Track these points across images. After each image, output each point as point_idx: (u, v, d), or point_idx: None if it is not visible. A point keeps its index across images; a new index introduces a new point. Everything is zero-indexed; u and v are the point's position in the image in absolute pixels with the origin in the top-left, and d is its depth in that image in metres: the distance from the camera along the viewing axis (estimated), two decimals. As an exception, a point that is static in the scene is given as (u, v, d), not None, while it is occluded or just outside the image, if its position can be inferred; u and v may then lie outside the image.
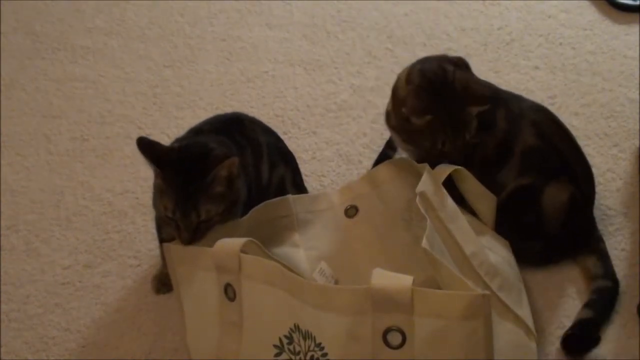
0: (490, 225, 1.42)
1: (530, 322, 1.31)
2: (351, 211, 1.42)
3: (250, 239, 1.23)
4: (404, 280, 1.08)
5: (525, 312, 1.32)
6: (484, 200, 1.40)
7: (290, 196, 1.42)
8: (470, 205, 1.42)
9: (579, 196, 1.45)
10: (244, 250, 1.21)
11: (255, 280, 1.20)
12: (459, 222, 1.29)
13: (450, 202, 1.31)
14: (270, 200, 1.39)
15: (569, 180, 1.44)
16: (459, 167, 1.35)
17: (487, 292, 1.07)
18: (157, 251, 1.54)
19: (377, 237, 1.38)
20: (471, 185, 1.38)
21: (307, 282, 1.16)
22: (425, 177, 1.28)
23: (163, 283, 1.52)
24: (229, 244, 1.22)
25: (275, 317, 1.19)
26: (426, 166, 1.32)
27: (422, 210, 1.22)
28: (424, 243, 1.14)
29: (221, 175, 1.27)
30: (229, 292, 1.23)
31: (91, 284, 1.56)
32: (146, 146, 1.28)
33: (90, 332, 1.49)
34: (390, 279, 1.09)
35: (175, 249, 1.31)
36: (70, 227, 1.67)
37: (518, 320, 1.28)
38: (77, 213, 1.70)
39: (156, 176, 1.30)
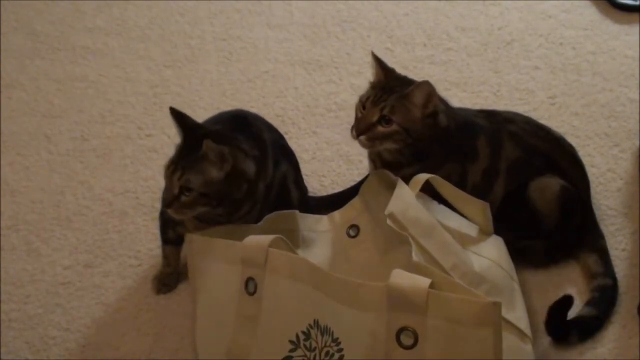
0: (480, 225, 1.42)
1: (524, 323, 1.30)
2: (353, 231, 1.42)
3: (279, 235, 1.26)
4: (421, 282, 1.10)
5: (518, 314, 1.31)
6: (467, 202, 1.40)
7: (297, 212, 1.43)
8: (457, 209, 1.42)
9: (572, 189, 1.45)
10: (272, 246, 1.24)
11: (280, 275, 1.22)
12: (435, 236, 1.29)
13: (425, 216, 1.30)
14: (281, 212, 1.41)
15: (559, 176, 1.45)
16: (434, 175, 1.36)
17: (498, 300, 1.08)
18: (158, 251, 1.54)
19: (378, 255, 1.38)
20: (451, 191, 1.39)
21: (333, 275, 1.17)
22: (395, 195, 1.29)
23: (164, 283, 1.52)
24: (258, 239, 1.26)
25: (295, 312, 1.21)
26: (398, 180, 1.33)
27: (397, 230, 1.24)
28: (414, 256, 1.17)
29: (209, 155, 1.30)
30: (250, 286, 1.25)
31: (91, 284, 1.56)
32: (176, 114, 1.36)
33: (90, 332, 1.49)
34: (408, 279, 1.11)
35: (198, 239, 1.33)
36: (70, 227, 1.67)
37: (509, 325, 1.27)
38: (78, 213, 1.70)
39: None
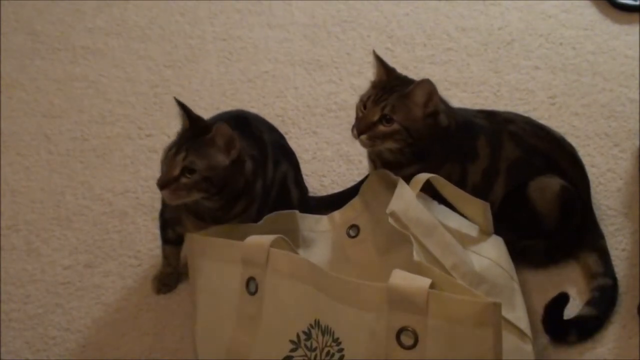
0: (480, 225, 1.42)
1: (524, 323, 1.31)
2: (353, 231, 1.42)
3: (280, 235, 1.26)
4: (422, 282, 1.10)
5: (518, 314, 1.31)
6: (468, 202, 1.40)
7: (297, 212, 1.43)
8: (458, 209, 1.42)
9: (572, 189, 1.45)
10: (273, 246, 1.24)
11: (281, 275, 1.22)
12: (436, 236, 1.29)
13: (426, 215, 1.31)
14: (281, 212, 1.41)
15: (559, 176, 1.45)
16: (435, 175, 1.36)
17: (498, 300, 1.08)
18: (158, 251, 1.54)
19: (378, 255, 1.39)
20: (451, 190, 1.39)
21: (333, 275, 1.17)
22: (396, 194, 1.29)
23: (164, 283, 1.52)
24: (259, 239, 1.26)
25: (296, 312, 1.21)
26: (399, 180, 1.33)
27: (399, 228, 1.24)
28: (415, 256, 1.17)
29: (217, 140, 1.30)
30: (251, 286, 1.25)
31: (91, 284, 1.56)
32: (182, 104, 1.37)
33: (90, 332, 1.49)
34: (408, 280, 1.12)
35: (199, 240, 1.33)
36: (70, 227, 1.67)
37: (509, 325, 1.27)
38: (78, 213, 1.70)
39: (181, 124, 1.37)
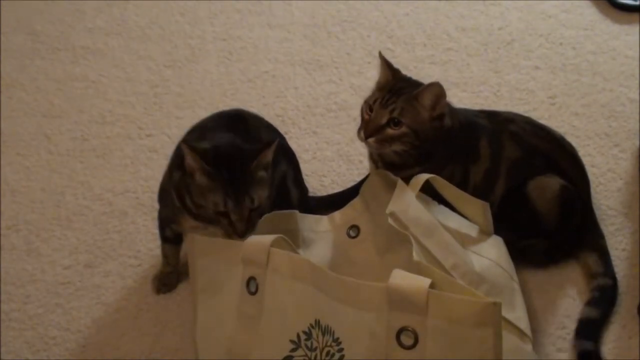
0: (480, 225, 1.42)
1: (524, 323, 1.31)
2: (353, 231, 1.42)
3: (280, 235, 1.26)
4: (422, 282, 1.10)
5: (518, 314, 1.31)
6: (468, 203, 1.40)
7: (296, 212, 1.43)
8: (458, 209, 1.42)
9: (572, 189, 1.45)
10: (273, 245, 1.24)
11: (282, 275, 1.22)
12: (436, 236, 1.29)
13: (425, 215, 1.31)
14: (280, 212, 1.40)
15: (559, 176, 1.45)
16: (434, 175, 1.36)
17: (498, 300, 1.08)
18: (158, 251, 1.54)
19: (378, 255, 1.38)
20: (451, 191, 1.39)
21: (334, 275, 1.17)
22: (395, 195, 1.29)
23: (163, 283, 1.52)
24: (259, 239, 1.26)
25: (296, 312, 1.21)
26: (398, 181, 1.33)
27: (399, 229, 1.24)
28: (415, 256, 1.17)
29: (264, 161, 1.31)
30: (251, 286, 1.25)
31: (91, 284, 1.56)
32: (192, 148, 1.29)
33: (90, 332, 1.49)
34: (408, 280, 1.11)
35: (199, 240, 1.33)
36: (70, 227, 1.67)
37: (509, 325, 1.28)
38: (78, 213, 1.70)
39: (200, 174, 1.29)
